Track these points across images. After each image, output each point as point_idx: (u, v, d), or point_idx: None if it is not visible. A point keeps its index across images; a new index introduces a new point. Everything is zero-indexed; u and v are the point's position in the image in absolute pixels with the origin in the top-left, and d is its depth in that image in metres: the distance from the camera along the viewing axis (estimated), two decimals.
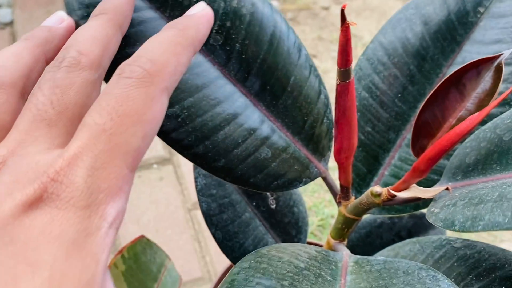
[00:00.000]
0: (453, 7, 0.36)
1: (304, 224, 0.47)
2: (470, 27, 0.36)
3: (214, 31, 0.28)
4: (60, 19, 0.24)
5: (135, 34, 0.26)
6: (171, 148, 1.07)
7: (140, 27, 0.27)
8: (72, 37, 0.22)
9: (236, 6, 0.29)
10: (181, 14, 0.27)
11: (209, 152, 0.29)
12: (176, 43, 0.21)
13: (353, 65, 0.33)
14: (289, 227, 0.46)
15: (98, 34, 0.22)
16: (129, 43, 0.26)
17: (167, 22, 0.27)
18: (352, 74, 0.28)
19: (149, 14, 0.27)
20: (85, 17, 0.25)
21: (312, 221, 0.96)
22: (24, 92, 0.22)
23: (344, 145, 0.32)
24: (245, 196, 0.42)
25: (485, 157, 0.29)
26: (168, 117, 0.27)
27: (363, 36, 1.55)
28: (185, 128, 0.28)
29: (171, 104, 0.27)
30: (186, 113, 0.28)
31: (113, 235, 0.18)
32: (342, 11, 0.23)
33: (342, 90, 0.29)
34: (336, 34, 1.56)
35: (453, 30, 0.37)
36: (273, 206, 0.44)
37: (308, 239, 0.53)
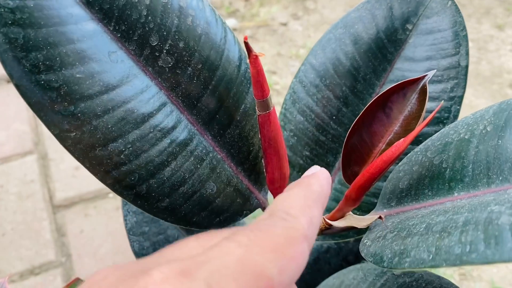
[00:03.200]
0: (382, 25, 0.36)
1: None
2: (400, 44, 0.35)
3: (164, 51, 0.25)
4: None
5: (75, 52, 0.22)
6: None
7: (81, 44, 0.23)
8: None
9: (191, 24, 0.26)
10: (128, 29, 0.24)
11: (153, 192, 0.26)
12: (305, 198, 0.22)
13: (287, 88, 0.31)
14: None
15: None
16: (67, 63, 0.22)
17: (111, 37, 0.24)
18: (272, 104, 0.27)
19: (90, 26, 0.23)
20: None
21: None
22: None
23: (275, 175, 0.31)
24: (183, 231, 0.40)
25: (417, 181, 0.28)
26: (109, 153, 0.24)
27: None
28: (128, 166, 0.24)
29: (113, 139, 0.24)
30: (131, 148, 0.24)
31: None
32: (246, 43, 0.22)
33: (264, 120, 0.27)
34: (295, 49, 1.56)
35: (383, 49, 0.36)
36: None
37: None
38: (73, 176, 1.04)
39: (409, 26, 0.35)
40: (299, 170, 0.39)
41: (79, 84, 0.22)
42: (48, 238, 0.92)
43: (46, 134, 1.14)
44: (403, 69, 0.35)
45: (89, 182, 1.03)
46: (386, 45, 0.35)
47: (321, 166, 0.38)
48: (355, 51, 0.36)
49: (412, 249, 0.22)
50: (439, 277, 0.28)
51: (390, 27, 0.35)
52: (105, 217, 0.97)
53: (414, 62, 0.35)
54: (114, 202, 0.99)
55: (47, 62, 0.21)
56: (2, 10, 0.20)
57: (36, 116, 1.18)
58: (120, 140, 0.24)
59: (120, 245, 0.93)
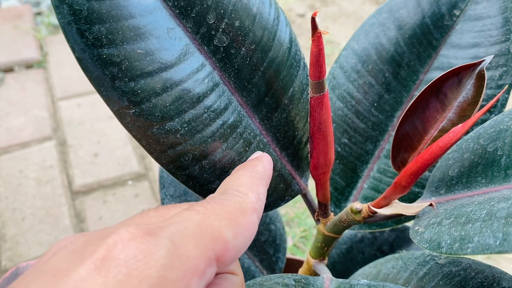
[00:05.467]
0: (428, 10, 0.35)
1: (282, 242, 0.45)
2: (446, 30, 0.35)
3: (220, 30, 0.25)
4: None
5: (137, 27, 0.22)
6: (146, 163, 1.03)
7: (142, 19, 0.22)
8: None
9: (247, 3, 0.25)
10: (186, 5, 0.23)
11: (204, 173, 0.25)
12: (252, 177, 0.24)
13: (326, 74, 0.31)
14: (267, 245, 0.44)
15: None
16: (129, 38, 0.22)
17: (170, 13, 0.23)
18: (327, 86, 0.26)
19: (151, 0, 0.22)
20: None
21: (295, 233, 0.94)
22: None
23: (320, 160, 0.30)
24: None
25: (469, 169, 0.27)
26: (166, 132, 0.23)
27: (340, 42, 1.54)
28: (183, 146, 0.24)
29: (170, 117, 0.23)
30: (186, 128, 0.24)
31: None
32: (313, 19, 0.21)
33: (317, 103, 0.27)
34: None
35: (428, 34, 0.35)
36: None
37: (290, 256, 0.50)
38: (92, 163, 1.04)
39: (457, 12, 0.34)
40: (337, 158, 0.38)
41: (139, 60, 0.22)
42: (67, 223, 0.93)
43: (65, 120, 1.14)
44: (448, 56, 0.35)
45: (108, 169, 1.03)
46: (431, 31, 0.35)
47: (360, 154, 0.38)
48: (399, 36, 0.35)
49: (475, 235, 0.21)
50: (490, 267, 0.28)
51: (436, 12, 0.35)
52: (124, 204, 0.97)
53: (461, 49, 0.34)
54: (133, 189, 1.00)
55: (110, 36, 0.21)
56: None
57: (54, 102, 1.18)
58: (177, 119, 0.23)
59: None
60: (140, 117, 0.22)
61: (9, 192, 0.97)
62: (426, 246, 0.24)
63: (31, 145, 1.08)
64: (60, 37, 1.44)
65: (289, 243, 0.91)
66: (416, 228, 0.27)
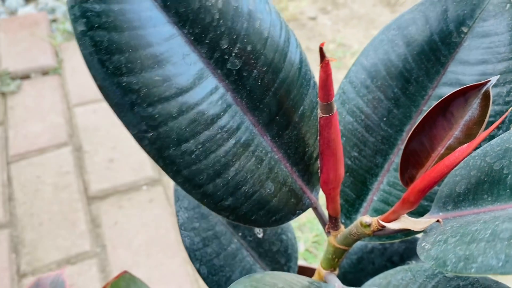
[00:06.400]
0: (436, 27, 0.35)
1: (293, 251, 0.46)
2: (454, 47, 0.35)
3: (233, 54, 0.26)
4: None
5: (154, 55, 0.23)
6: (160, 169, 1.05)
7: (160, 47, 0.23)
8: None
9: (258, 28, 0.26)
10: (201, 32, 0.24)
11: (218, 191, 0.27)
12: None
13: (336, 88, 0.32)
14: (278, 255, 0.45)
15: None
16: (147, 66, 0.23)
17: (185, 40, 0.24)
18: (335, 107, 0.27)
19: (167, 29, 0.24)
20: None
21: (307, 238, 0.95)
22: None
23: (330, 176, 0.31)
24: (230, 227, 0.41)
25: (475, 186, 0.28)
26: (182, 153, 0.25)
27: (352, 45, 1.55)
28: (197, 166, 0.25)
29: (186, 139, 0.24)
30: (201, 149, 0.25)
31: None
32: (321, 49, 0.22)
33: (326, 123, 0.28)
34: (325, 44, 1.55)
35: (436, 51, 0.36)
36: (260, 235, 0.43)
37: (301, 263, 0.51)
38: (107, 168, 1.06)
39: (464, 29, 0.35)
40: (347, 171, 0.39)
41: (157, 87, 0.23)
42: (83, 229, 0.95)
43: (80, 126, 1.16)
44: (456, 72, 0.35)
45: (123, 174, 1.05)
46: (439, 48, 0.35)
47: (369, 167, 0.39)
48: (407, 52, 0.36)
49: (479, 255, 0.22)
50: (496, 282, 0.28)
51: (444, 29, 0.35)
52: (139, 209, 0.99)
53: (469, 65, 0.35)
54: (148, 194, 1.01)
55: (129, 65, 0.22)
56: (90, 13, 0.21)
57: (69, 108, 1.20)
58: (192, 141, 0.24)
59: (153, 236, 0.95)
60: (157, 140, 0.24)
61: (27, 197, 0.99)
62: (432, 263, 0.25)
63: (48, 151, 1.10)
64: (75, 44, 1.46)
65: (301, 248, 0.92)
66: (423, 244, 0.27)
